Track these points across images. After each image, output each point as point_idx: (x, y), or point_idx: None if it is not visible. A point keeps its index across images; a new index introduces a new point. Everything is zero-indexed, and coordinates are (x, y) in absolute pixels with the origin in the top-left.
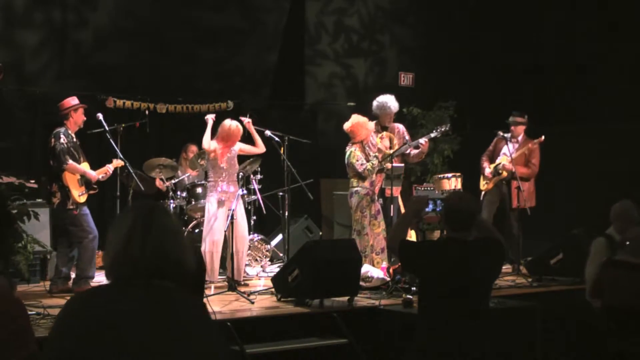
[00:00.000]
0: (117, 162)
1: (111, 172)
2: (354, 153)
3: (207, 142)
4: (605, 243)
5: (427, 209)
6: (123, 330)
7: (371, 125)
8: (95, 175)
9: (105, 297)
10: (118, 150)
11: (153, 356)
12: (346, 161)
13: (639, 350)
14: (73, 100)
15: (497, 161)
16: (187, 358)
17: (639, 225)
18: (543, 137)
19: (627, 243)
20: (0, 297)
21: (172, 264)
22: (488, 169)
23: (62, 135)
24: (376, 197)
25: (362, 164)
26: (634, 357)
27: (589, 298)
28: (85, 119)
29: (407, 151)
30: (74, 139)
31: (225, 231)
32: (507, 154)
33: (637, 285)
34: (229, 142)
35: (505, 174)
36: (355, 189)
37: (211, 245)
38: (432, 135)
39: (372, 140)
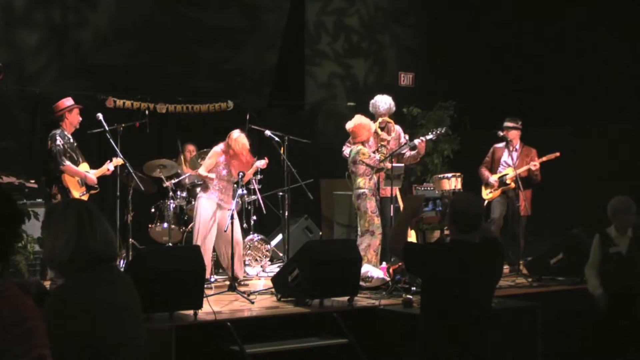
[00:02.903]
0: (117, 161)
1: (112, 170)
2: (362, 150)
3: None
4: (599, 239)
5: (426, 209)
6: (115, 303)
7: (373, 126)
8: (95, 178)
9: (88, 284)
10: (118, 150)
11: (124, 313)
12: (351, 159)
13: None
14: (67, 101)
15: (502, 172)
16: (136, 311)
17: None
18: (558, 153)
19: None
20: (8, 300)
21: (112, 248)
22: (492, 178)
23: (57, 137)
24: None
25: (374, 157)
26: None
27: (590, 288)
28: (80, 119)
29: (404, 152)
30: (71, 140)
31: (224, 230)
32: (510, 164)
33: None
34: (235, 159)
35: (513, 185)
36: (363, 190)
37: (202, 243)
38: (428, 137)
39: (370, 142)
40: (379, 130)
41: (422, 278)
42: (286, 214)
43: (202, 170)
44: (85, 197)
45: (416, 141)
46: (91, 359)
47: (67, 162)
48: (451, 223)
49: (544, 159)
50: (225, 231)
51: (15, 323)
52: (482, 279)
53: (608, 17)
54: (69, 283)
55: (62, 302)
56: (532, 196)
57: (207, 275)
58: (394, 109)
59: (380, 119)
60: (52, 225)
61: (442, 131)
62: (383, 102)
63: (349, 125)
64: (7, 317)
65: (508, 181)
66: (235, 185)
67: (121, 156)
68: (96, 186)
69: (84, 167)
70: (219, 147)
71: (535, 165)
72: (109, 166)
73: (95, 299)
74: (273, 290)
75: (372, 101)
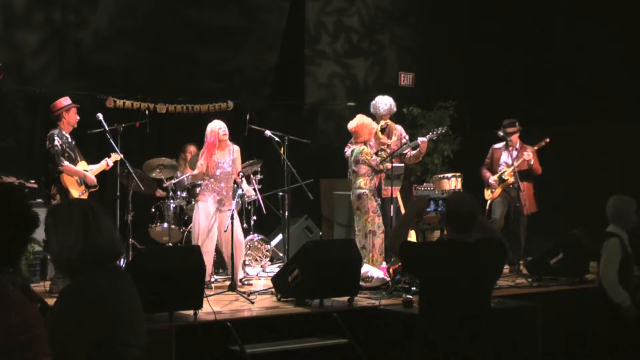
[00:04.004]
0: (115, 156)
1: (111, 165)
2: (366, 150)
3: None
4: (619, 243)
5: (428, 209)
6: (122, 302)
7: (375, 126)
8: (94, 178)
9: (97, 282)
10: (118, 151)
11: (130, 311)
12: (354, 159)
13: None
14: (65, 101)
15: (500, 170)
16: (139, 310)
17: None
18: (548, 139)
19: None
20: (15, 306)
21: (117, 246)
22: (492, 178)
23: (55, 137)
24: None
25: (376, 159)
26: None
27: (620, 299)
28: (78, 118)
29: (405, 152)
30: (69, 139)
31: (224, 230)
32: (509, 162)
33: None
34: (213, 146)
35: (511, 180)
36: (364, 191)
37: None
38: (428, 137)
39: (371, 142)
40: (379, 133)
41: (419, 277)
42: (286, 214)
43: (195, 173)
44: (84, 196)
45: (419, 140)
46: (97, 358)
47: (66, 163)
48: (446, 223)
49: (536, 147)
50: (225, 231)
51: (21, 330)
52: (477, 278)
53: (608, 16)
54: (77, 282)
55: (72, 301)
56: (533, 190)
57: (207, 278)
58: (394, 109)
59: (382, 122)
60: (58, 226)
61: (443, 131)
62: (383, 103)
63: (351, 124)
64: (14, 324)
65: (506, 176)
66: (235, 185)
67: (122, 157)
68: (95, 184)
69: (82, 165)
70: (205, 147)
71: (528, 154)
72: (109, 161)
73: (104, 298)
74: (273, 290)
75: (373, 102)
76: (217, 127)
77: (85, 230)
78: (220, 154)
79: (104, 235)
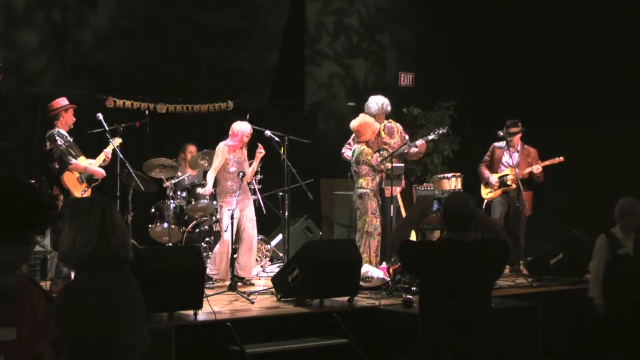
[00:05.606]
0: (111, 146)
1: (110, 155)
2: (366, 150)
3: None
4: (606, 240)
5: (433, 209)
6: (126, 304)
7: (377, 126)
8: (102, 171)
9: (101, 283)
10: (118, 150)
11: (132, 315)
12: (354, 159)
13: None
14: (63, 101)
15: (503, 172)
16: (142, 314)
17: None
18: (562, 158)
19: None
20: (24, 294)
21: (128, 250)
22: (493, 178)
23: (57, 137)
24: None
25: (376, 158)
26: None
27: (592, 294)
28: (75, 119)
29: (406, 150)
30: (69, 138)
31: (224, 230)
32: (511, 164)
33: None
34: (237, 142)
35: (514, 186)
36: (365, 190)
37: (222, 246)
38: (430, 137)
39: (370, 142)
40: (382, 133)
41: (416, 276)
42: (286, 214)
43: (210, 174)
44: (88, 193)
45: (418, 142)
46: (98, 358)
47: (74, 160)
48: (443, 222)
49: (547, 162)
50: (225, 231)
51: (41, 309)
52: (476, 278)
53: (609, 16)
54: (78, 282)
55: (70, 302)
56: (532, 196)
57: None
58: (388, 108)
59: (385, 122)
60: (74, 220)
61: (444, 131)
62: (374, 102)
63: (354, 123)
64: (37, 304)
65: (509, 182)
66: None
67: (121, 156)
68: (96, 178)
69: (82, 160)
70: (223, 144)
71: (538, 168)
72: (107, 152)
73: (103, 300)
74: (273, 290)
75: (367, 103)
76: (247, 129)
77: (101, 230)
78: (237, 152)
79: (118, 238)
